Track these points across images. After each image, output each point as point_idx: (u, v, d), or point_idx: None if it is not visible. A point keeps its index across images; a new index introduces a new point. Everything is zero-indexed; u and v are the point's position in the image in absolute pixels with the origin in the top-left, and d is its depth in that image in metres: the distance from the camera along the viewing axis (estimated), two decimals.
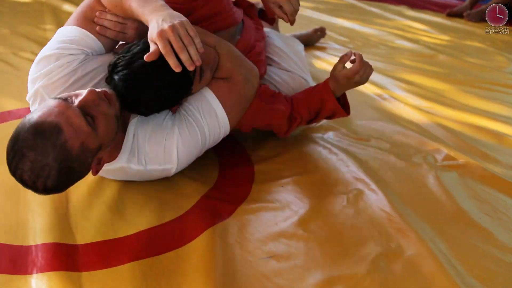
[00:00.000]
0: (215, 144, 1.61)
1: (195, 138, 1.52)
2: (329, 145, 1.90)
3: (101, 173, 1.56)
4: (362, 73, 1.70)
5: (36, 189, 1.29)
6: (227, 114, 1.56)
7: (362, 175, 1.71)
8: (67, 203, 1.53)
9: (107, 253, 1.35)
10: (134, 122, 1.51)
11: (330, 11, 4.29)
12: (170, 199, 1.56)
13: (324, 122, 2.07)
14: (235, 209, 1.53)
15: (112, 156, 1.48)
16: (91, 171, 1.38)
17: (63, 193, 1.55)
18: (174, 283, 1.26)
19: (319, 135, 1.99)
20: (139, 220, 1.47)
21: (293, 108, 1.80)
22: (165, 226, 1.45)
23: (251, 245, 1.39)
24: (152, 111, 1.49)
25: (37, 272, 1.28)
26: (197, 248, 1.36)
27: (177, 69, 1.33)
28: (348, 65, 1.72)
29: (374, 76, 2.65)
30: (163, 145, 1.49)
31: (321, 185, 1.67)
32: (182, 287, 1.25)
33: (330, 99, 1.76)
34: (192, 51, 1.33)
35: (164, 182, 1.62)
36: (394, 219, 1.49)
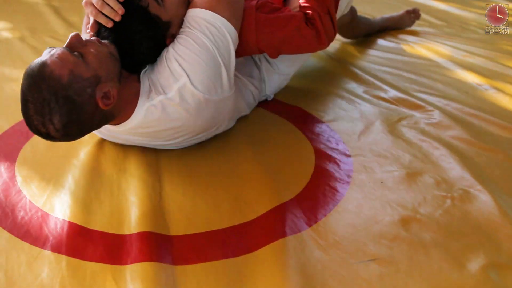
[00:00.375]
0: (233, 45, 1.59)
1: (189, 44, 1.52)
2: (430, 139, 1.79)
3: (137, 140, 1.64)
4: None
5: (49, 133, 1.35)
6: (213, 11, 1.56)
7: (466, 174, 1.60)
8: (160, 191, 1.51)
9: (201, 247, 1.32)
10: (146, 71, 1.57)
11: None
12: (265, 191, 1.51)
13: (423, 114, 1.96)
14: (333, 207, 1.46)
15: (133, 103, 1.51)
16: (100, 104, 1.39)
17: (156, 181, 1.53)
18: (271, 282, 1.22)
19: (419, 126, 1.88)
20: (233, 213, 1.43)
21: (305, 11, 1.78)
22: (259, 220, 1.41)
23: (351, 246, 1.32)
24: (145, 55, 1.56)
25: (131, 262, 1.26)
26: (289, 246, 1.31)
27: (108, 24, 1.47)
28: None
29: (474, 64, 2.51)
30: (167, 67, 1.52)
31: (422, 183, 1.57)
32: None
33: None
34: (111, 2, 1.45)
35: (258, 174, 1.58)
36: (505, 224, 1.38)
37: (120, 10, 1.46)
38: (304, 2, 1.79)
